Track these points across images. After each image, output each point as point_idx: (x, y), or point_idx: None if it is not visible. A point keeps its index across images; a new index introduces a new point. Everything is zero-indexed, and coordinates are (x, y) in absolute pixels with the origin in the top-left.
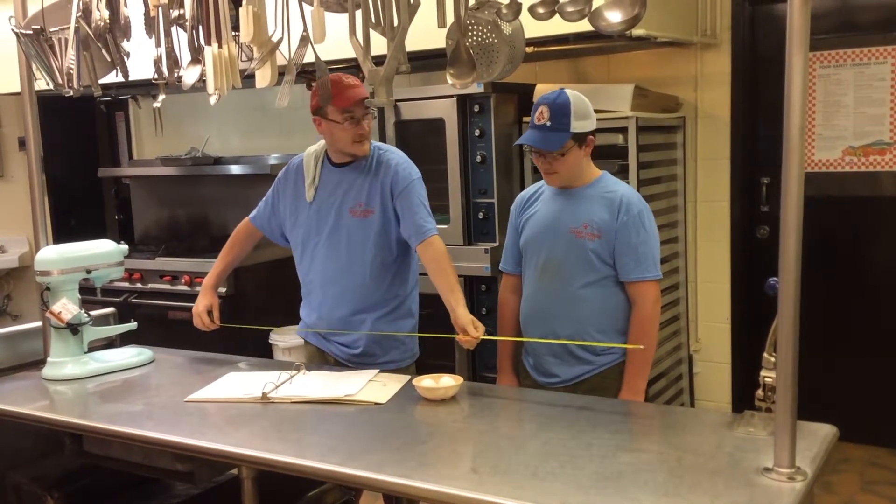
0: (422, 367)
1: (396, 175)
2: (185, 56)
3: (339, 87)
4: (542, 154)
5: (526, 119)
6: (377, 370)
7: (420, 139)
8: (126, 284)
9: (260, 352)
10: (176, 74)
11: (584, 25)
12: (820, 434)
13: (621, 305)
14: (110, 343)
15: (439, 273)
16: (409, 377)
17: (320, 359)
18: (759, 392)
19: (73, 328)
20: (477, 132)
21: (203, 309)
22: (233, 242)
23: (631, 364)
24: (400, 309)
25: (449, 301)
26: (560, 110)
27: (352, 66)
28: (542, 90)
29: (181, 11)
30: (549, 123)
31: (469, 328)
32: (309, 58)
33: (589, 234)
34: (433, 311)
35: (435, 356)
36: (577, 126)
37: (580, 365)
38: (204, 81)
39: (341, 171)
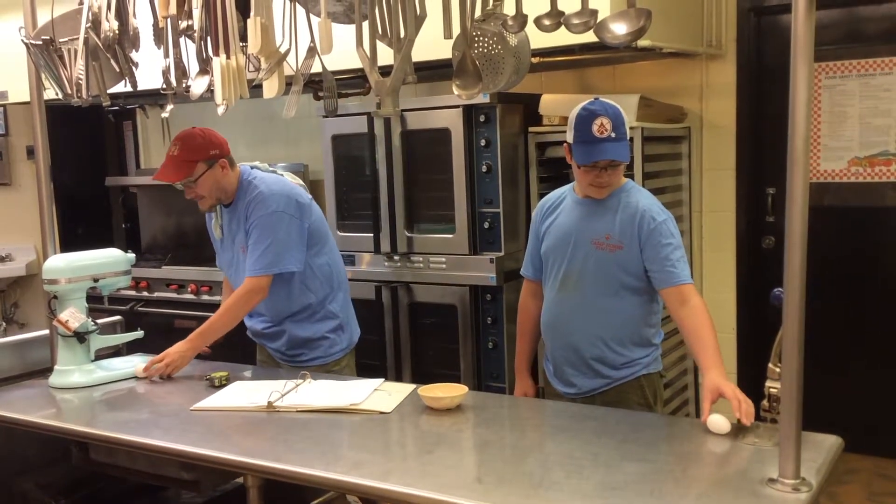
0: (427, 377)
1: None
2: (193, 66)
3: None
4: (602, 167)
5: (532, 129)
6: (382, 379)
7: (426, 149)
8: (133, 293)
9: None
10: (184, 85)
11: (589, 37)
12: (825, 445)
13: (641, 316)
14: (117, 351)
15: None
16: (414, 386)
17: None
18: (765, 402)
19: (81, 336)
20: (483, 142)
21: None
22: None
23: (711, 349)
24: (317, 313)
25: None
26: (618, 119)
27: (358, 77)
28: (548, 100)
29: (189, 22)
30: (613, 135)
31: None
32: (316, 68)
33: (610, 245)
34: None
35: (440, 366)
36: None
37: (598, 378)
38: (212, 92)
39: None
